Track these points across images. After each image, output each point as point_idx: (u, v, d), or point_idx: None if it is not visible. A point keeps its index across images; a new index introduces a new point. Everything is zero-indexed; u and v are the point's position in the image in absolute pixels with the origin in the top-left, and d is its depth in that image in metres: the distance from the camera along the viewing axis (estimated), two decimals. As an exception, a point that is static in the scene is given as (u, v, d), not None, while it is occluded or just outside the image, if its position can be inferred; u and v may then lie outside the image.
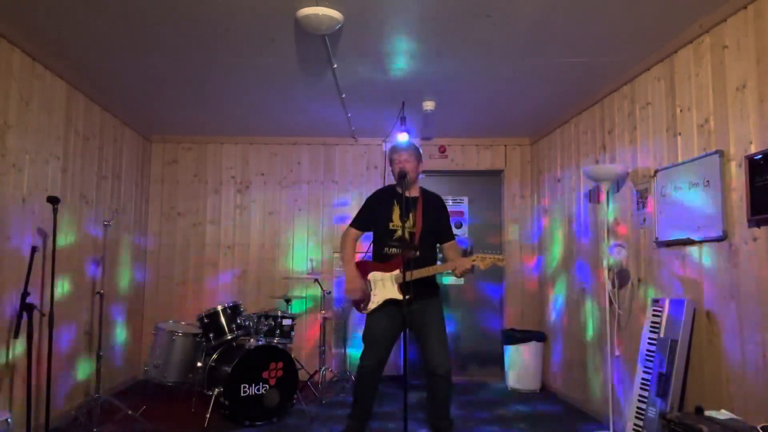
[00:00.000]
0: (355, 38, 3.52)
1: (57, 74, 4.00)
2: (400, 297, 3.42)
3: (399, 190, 3.62)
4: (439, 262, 3.65)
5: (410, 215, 3.47)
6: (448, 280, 5.98)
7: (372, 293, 3.52)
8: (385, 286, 3.49)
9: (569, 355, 4.97)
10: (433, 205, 3.64)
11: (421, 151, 3.67)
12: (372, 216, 3.66)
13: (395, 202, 3.58)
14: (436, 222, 3.61)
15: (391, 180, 3.76)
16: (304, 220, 6.00)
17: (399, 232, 3.53)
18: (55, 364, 3.65)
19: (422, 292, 3.38)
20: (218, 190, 6.01)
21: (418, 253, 3.42)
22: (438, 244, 3.69)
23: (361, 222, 3.71)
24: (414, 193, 3.58)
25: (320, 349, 5.17)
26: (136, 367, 5.55)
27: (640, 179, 3.83)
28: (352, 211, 3.80)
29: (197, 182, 6.02)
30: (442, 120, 5.33)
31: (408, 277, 3.18)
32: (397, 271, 3.48)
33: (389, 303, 3.48)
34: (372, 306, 3.50)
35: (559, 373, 5.21)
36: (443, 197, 3.78)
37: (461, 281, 6.01)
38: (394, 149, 3.64)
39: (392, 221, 3.56)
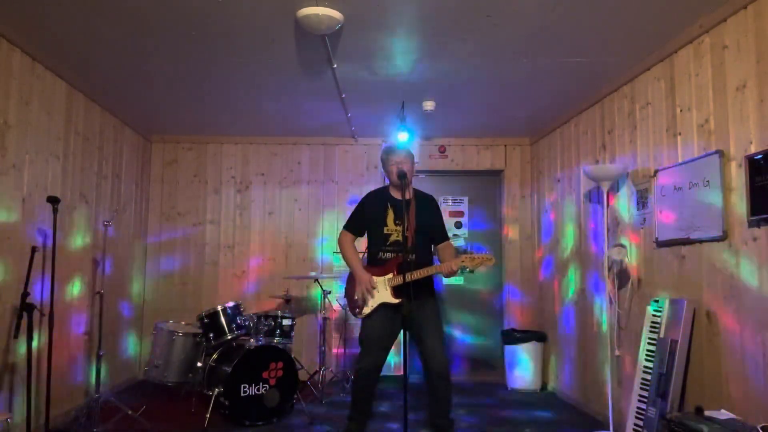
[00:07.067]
0: (355, 38, 3.51)
1: (57, 74, 4.00)
2: (393, 300, 3.45)
3: (392, 192, 3.62)
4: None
5: (404, 218, 3.47)
6: (448, 280, 5.97)
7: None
8: (378, 291, 3.50)
9: (569, 355, 4.97)
10: (426, 206, 3.64)
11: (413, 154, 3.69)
12: (365, 220, 3.66)
13: (389, 206, 3.58)
14: (430, 223, 3.61)
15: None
16: (304, 220, 6.00)
17: (394, 236, 3.53)
18: (55, 364, 3.65)
19: (417, 293, 3.36)
20: (218, 190, 6.01)
21: (414, 256, 3.42)
22: (433, 246, 3.69)
23: (354, 226, 3.72)
24: (407, 195, 3.58)
25: (320, 349, 5.17)
26: (136, 367, 5.56)
27: (640, 179, 3.83)
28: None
29: (197, 182, 6.01)
30: (442, 120, 5.33)
31: (403, 281, 3.19)
32: (390, 275, 3.50)
33: (383, 307, 3.49)
34: (367, 310, 3.52)
35: (559, 373, 5.21)
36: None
37: (461, 281, 6.01)
38: (390, 150, 3.63)
39: (386, 225, 3.57)
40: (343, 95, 4.57)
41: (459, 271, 3.45)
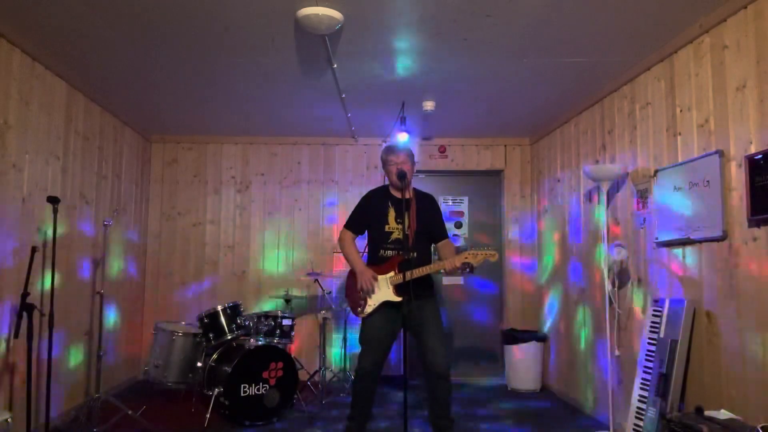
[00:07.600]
0: (355, 38, 3.51)
1: (57, 74, 4.00)
2: (395, 298, 3.44)
3: (393, 191, 3.63)
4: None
5: (405, 216, 3.47)
6: (448, 280, 5.98)
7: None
8: (380, 289, 3.50)
9: (569, 355, 4.97)
10: (426, 205, 3.64)
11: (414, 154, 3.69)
12: (366, 218, 3.66)
13: (390, 204, 3.59)
14: (430, 222, 3.61)
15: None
16: (304, 220, 6.01)
17: (395, 234, 3.54)
18: (55, 364, 3.65)
19: (418, 293, 3.36)
20: (218, 190, 6.01)
21: (415, 254, 3.42)
22: (433, 244, 3.69)
23: (355, 225, 3.71)
24: (407, 194, 3.58)
25: (320, 349, 5.17)
26: (136, 367, 5.55)
27: (640, 179, 3.83)
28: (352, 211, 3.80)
29: (197, 182, 6.01)
30: (442, 120, 5.33)
31: (406, 278, 3.19)
32: (391, 273, 3.49)
33: (385, 305, 3.48)
34: (369, 309, 3.51)
35: (559, 373, 5.21)
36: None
37: (460, 281, 6.02)
38: (390, 150, 3.62)
39: (388, 224, 3.56)
40: (343, 95, 4.57)
41: (461, 269, 3.44)
